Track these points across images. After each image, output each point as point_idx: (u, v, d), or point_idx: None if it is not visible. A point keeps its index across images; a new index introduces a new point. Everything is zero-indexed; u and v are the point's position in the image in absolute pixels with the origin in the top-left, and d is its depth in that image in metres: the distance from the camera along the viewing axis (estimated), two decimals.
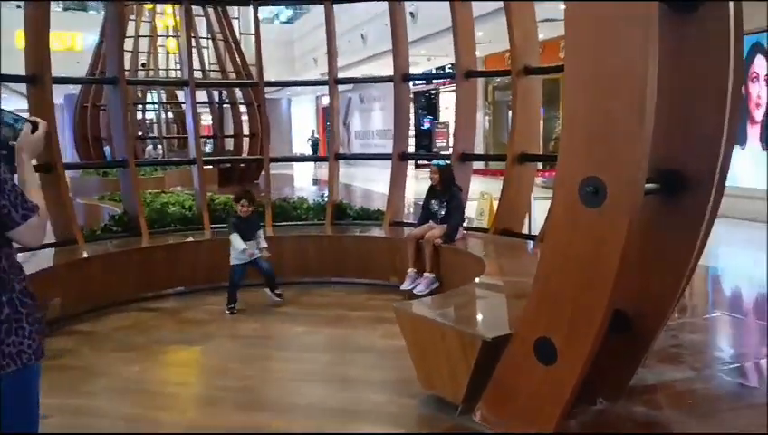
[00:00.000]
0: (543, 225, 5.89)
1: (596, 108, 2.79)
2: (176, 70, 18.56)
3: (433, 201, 6.20)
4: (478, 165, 15.03)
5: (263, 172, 8.00)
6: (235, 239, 5.72)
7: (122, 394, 3.93)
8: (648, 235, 3.21)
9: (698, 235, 3.26)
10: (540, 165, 11.97)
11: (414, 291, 5.82)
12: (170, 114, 22.60)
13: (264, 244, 5.89)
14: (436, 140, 22.87)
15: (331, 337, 4.97)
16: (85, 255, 6.05)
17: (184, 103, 19.41)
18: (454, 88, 22.88)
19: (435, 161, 6.30)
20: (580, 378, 2.99)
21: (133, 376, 4.22)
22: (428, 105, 25.44)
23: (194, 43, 18.65)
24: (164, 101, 20.85)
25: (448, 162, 6.41)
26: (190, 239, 6.65)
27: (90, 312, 5.64)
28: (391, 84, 7.22)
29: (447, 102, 24.70)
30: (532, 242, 6.04)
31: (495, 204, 8.91)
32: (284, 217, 7.57)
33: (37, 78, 6.20)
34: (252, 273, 5.88)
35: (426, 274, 5.85)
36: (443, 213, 6.09)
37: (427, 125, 24.76)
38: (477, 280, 4.49)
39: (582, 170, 2.82)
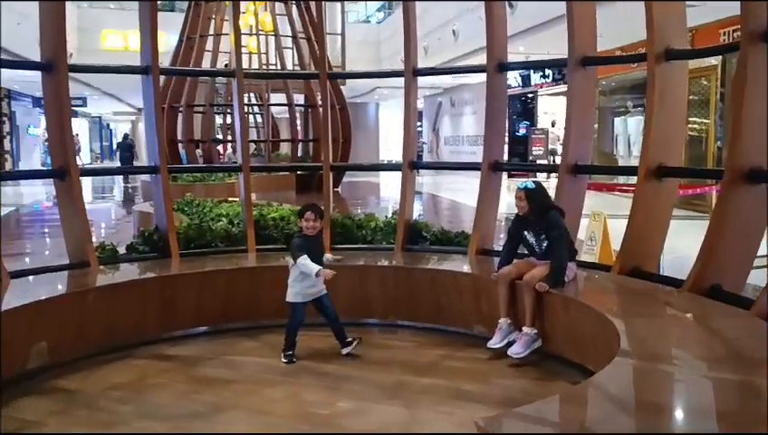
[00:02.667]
0: (696, 264, 4.20)
1: None
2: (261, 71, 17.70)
3: (526, 232, 4.61)
4: None
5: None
6: (307, 263, 4.31)
7: None
8: None
9: None
10: None
11: (509, 352, 4.26)
12: (259, 118, 21.95)
13: (328, 256, 4.66)
14: (533, 148, 21.02)
15: (382, 424, 3.48)
16: (98, 283, 4.89)
17: (266, 105, 18.61)
18: (553, 91, 20.80)
19: (521, 183, 4.66)
20: None
21: None
22: (524, 110, 23.53)
23: (275, 44, 17.80)
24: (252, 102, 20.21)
25: (536, 181, 4.71)
26: (224, 267, 5.33)
27: (88, 358, 4.44)
28: (485, 87, 5.68)
29: (546, 107, 22.80)
30: (671, 288, 4.35)
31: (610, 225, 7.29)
32: (346, 239, 6.16)
33: (52, 65, 5.12)
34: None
35: (525, 329, 4.27)
36: (544, 245, 4.49)
37: (522, 131, 22.85)
38: (613, 366, 2.84)
39: None
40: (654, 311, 3.90)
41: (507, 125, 23.99)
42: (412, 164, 6.09)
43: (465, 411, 3.59)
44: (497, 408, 3.64)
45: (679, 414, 2.39)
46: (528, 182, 4.57)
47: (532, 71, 21.06)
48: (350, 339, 4.52)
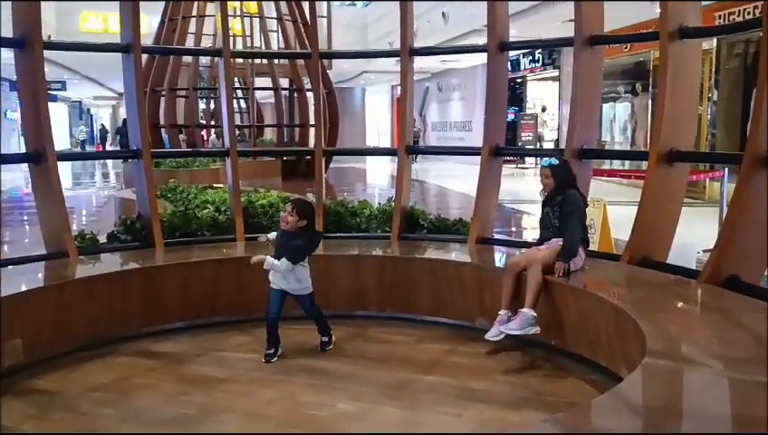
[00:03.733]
0: (713, 253, 3.98)
1: None
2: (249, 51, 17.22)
3: (547, 208, 4.40)
4: None
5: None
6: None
7: None
8: None
9: None
10: None
11: (501, 327, 4.06)
12: (243, 103, 21.50)
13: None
14: (522, 133, 20.82)
15: (386, 429, 3.22)
16: (77, 274, 4.60)
17: (247, 89, 18.18)
18: (544, 76, 20.47)
19: (545, 160, 4.44)
20: None
21: None
22: (513, 95, 23.27)
23: (260, 26, 17.38)
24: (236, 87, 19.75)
25: (560, 157, 4.50)
26: (212, 257, 5.06)
27: (67, 355, 4.16)
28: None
29: (535, 93, 22.59)
30: (686, 279, 4.13)
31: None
32: (340, 227, 5.91)
33: (26, 41, 4.79)
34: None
35: (523, 310, 4.03)
36: (556, 222, 4.29)
37: (511, 116, 22.63)
38: (643, 368, 2.57)
39: None
40: (673, 304, 3.68)
41: None
42: (408, 149, 5.82)
43: (474, 413, 3.36)
44: (508, 408, 3.42)
45: (729, 424, 2.17)
46: (551, 159, 4.37)
47: (521, 55, 20.81)
48: (326, 339, 4.32)
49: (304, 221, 4.12)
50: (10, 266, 4.72)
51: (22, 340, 3.87)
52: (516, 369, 3.99)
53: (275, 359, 4.09)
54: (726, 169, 7.37)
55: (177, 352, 4.31)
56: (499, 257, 5.07)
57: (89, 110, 48.36)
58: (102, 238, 5.41)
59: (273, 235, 4.32)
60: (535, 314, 4.04)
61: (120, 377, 3.90)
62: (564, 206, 4.24)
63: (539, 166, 4.70)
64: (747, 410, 2.28)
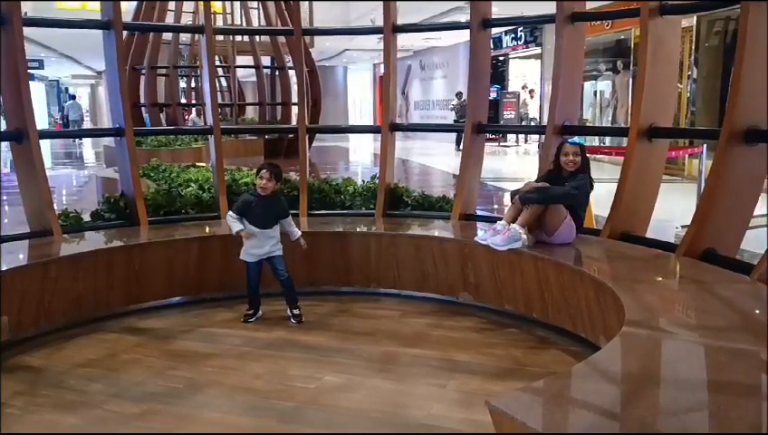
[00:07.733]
0: (691, 227, 4.06)
1: None
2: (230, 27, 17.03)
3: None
4: None
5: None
6: (229, 218, 4.36)
7: None
8: None
9: None
10: None
11: (489, 241, 4.30)
12: (223, 81, 21.26)
13: (297, 232, 4.49)
14: (504, 112, 20.86)
15: (372, 400, 3.28)
16: (62, 252, 4.58)
17: (229, 67, 18.02)
18: (526, 54, 20.50)
19: (571, 139, 4.50)
20: None
21: None
22: (495, 73, 23.30)
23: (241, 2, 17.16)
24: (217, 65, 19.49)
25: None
26: (196, 235, 5.06)
27: (56, 332, 4.20)
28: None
29: (517, 71, 22.61)
30: (665, 253, 4.21)
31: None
32: (323, 204, 5.94)
33: (5, 18, 4.72)
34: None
35: (515, 225, 4.22)
36: None
37: (493, 94, 22.65)
38: (622, 337, 2.64)
39: None
40: (652, 277, 3.75)
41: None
42: (392, 126, 5.84)
43: (458, 383, 3.44)
44: (491, 379, 3.50)
45: (704, 389, 2.25)
46: (576, 139, 4.48)
47: (503, 33, 20.79)
48: (298, 312, 4.45)
49: (279, 184, 4.43)
50: None
51: (8, 318, 3.89)
52: (499, 342, 4.07)
53: (253, 320, 4.42)
54: (705, 146, 7.48)
55: (164, 329, 4.35)
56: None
57: (67, 89, 47.54)
58: (86, 217, 5.40)
59: (239, 227, 4.36)
60: (529, 236, 4.21)
61: (107, 353, 3.92)
62: (577, 181, 4.28)
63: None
64: (721, 376, 2.36)
